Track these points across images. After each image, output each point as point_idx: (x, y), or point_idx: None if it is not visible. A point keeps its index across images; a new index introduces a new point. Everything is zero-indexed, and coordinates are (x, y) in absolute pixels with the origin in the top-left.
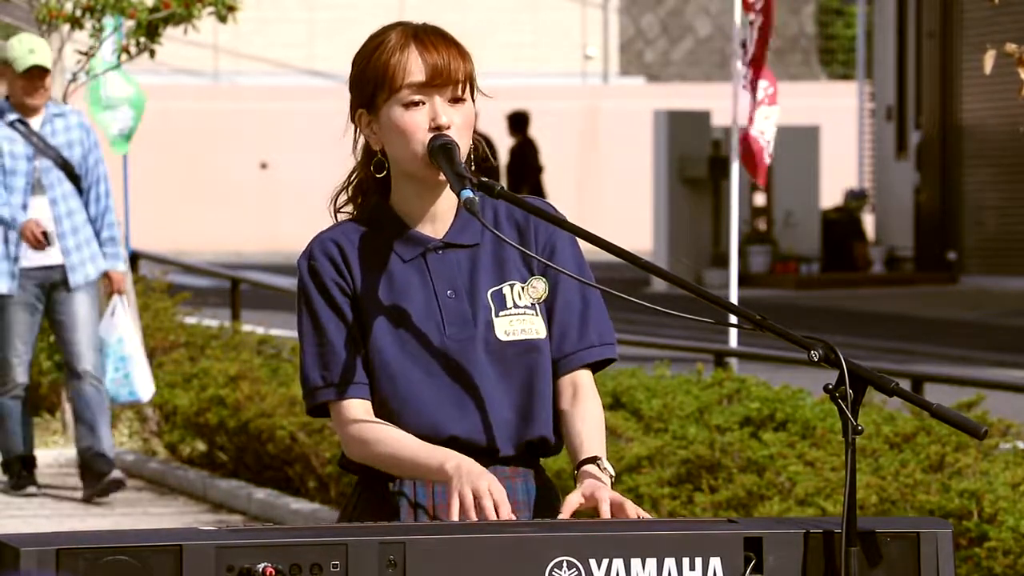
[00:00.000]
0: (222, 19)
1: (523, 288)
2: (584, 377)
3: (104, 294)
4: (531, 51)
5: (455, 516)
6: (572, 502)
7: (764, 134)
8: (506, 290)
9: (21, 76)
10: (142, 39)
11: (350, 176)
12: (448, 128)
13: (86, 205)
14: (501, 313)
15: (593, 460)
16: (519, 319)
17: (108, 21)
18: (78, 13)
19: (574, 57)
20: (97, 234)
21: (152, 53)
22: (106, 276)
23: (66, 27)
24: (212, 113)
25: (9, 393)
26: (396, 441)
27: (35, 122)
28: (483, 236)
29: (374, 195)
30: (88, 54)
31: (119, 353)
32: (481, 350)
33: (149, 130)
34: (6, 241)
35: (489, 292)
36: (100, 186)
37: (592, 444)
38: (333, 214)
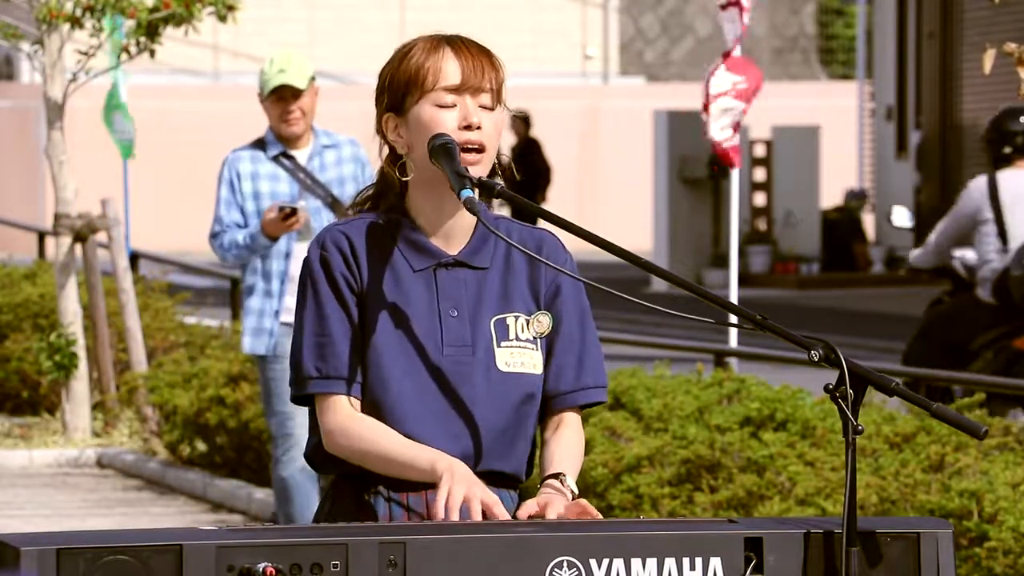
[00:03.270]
0: (222, 19)
1: (527, 321)
2: (572, 416)
3: None
4: (531, 51)
5: (440, 510)
6: (525, 509)
7: (720, 130)
8: (510, 321)
9: (272, 101)
10: (142, 39)
11: (360, 194)
12: (479, 128)
13: None
14: (503, 343)
15: (557, 476)
16: (520, 352)
17: (108, 21)
18: (78, 13)
19: (574, 57)
20: None
21: (152, 53)
22: None
23: (66, 27)
24: (212, 113)
25: (294, 460)
26: (385, 438)
27: (301, 155)
28: (493, 262)
29: (394, 197)
30: (88, 54)
31: None
32: (479, 376)
33: (149, 130)
34: (267, 295)
35: (493, 320)
36: None
37: (561, 464)
38: None
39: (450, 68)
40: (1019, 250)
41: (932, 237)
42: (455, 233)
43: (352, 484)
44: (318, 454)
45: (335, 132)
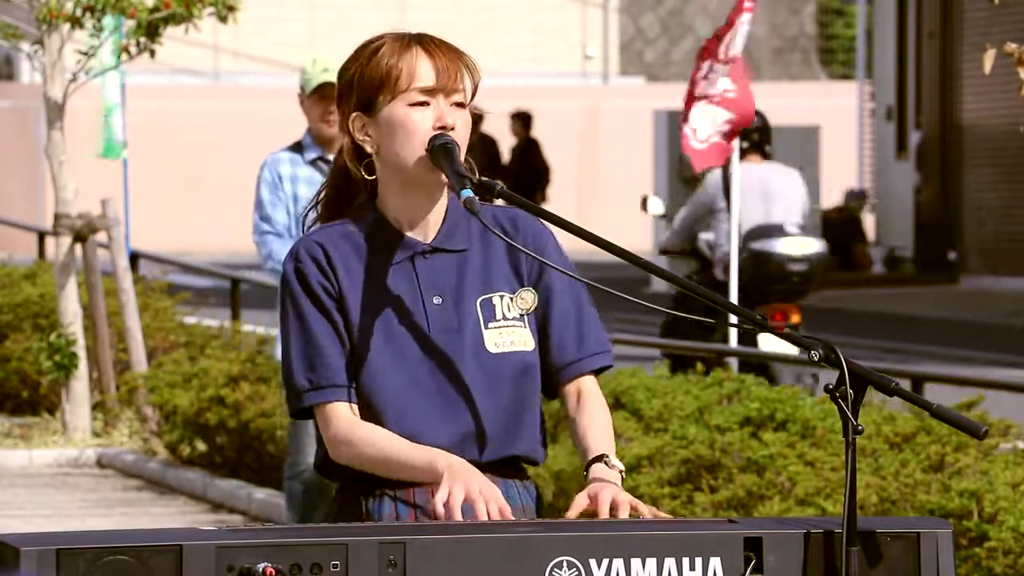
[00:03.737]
0: (222, 19)
1: (512, 299)
2: (588, 383)
3: None
4: (531, 51)
5: (440, 511)
6: (579, 503)
7: (696, 132)
8: (495, 300)
9: (314, 100)
10: (142, 39)
11: (318, 195)
12: (452, 129)
13: None
14: (491, 324)
15: (600, 458)
16: (508, 331)
17: (108, 21)
18: (78, 13)
19: (574, 57)
20: None
21: (152, 53)
22: None
23: (66, 27)
24: (212, 113)
25: (298, 478)
26: (384, 442)
27: None
28: (470, 242)
29: (363, 198)
30: (88, 54)
31: None
32: (470, 359)
33: (149, 130)
34: None
35: (478, 301)
36: None
37: (599, 443)
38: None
39: (423, 69)
40: (745, 236)
41: (675, 222)
42: (428, 222)
43: (356, 488)
44: (327, 463)
45: None
